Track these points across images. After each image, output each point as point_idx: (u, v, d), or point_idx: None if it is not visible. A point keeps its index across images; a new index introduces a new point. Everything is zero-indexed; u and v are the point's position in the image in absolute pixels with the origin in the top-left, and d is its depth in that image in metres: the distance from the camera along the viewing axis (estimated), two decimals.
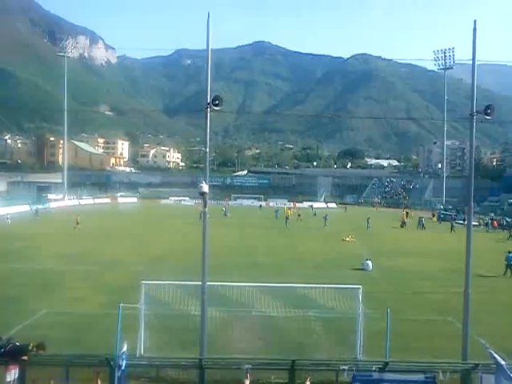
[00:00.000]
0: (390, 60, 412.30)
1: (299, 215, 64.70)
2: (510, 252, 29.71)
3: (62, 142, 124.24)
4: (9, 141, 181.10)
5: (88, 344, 14.48)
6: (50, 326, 16.50)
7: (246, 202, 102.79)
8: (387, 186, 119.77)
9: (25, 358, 10.45)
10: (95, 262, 29.86)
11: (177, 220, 59.31)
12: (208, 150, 12.51)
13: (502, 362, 8.18)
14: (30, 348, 10.69)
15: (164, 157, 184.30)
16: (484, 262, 28.48)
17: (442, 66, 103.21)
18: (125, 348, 9.16)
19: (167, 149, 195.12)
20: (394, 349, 12.91)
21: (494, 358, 8.33)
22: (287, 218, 56.25)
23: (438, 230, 55.75)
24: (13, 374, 10.35)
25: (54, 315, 18.10)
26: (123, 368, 8.54)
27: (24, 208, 69.72)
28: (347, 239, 43.66)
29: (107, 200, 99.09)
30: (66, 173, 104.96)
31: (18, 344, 12.04)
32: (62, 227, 48.88)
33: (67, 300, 20.60)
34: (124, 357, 8.73)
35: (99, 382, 8.66)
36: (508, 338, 16.03)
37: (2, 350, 10.39)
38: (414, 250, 39.09)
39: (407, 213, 68.21)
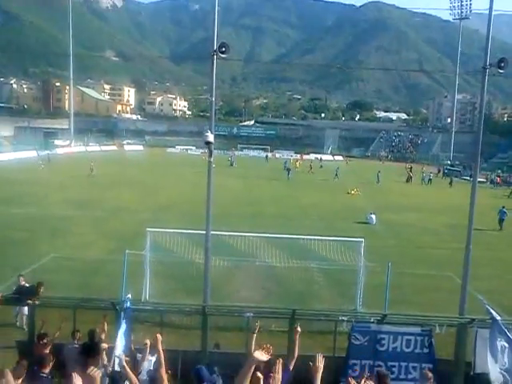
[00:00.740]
0: (404, 9, 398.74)
1: (311, 167, 64.55)
2: (503, 207, 30.04)
3: (67, 87, 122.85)
4: (14, 85, 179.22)
5: (94, 288, 14.86)
6: (58, 270, 16.93)
7: (252, 153, 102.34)
8: (395, 140, 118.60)
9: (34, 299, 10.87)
10: (104, 208, 30.28)
11: (183, 169, 59.38)
12: (214, 98, 12.32)
13: (498, 318, 8.33)
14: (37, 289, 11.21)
15: (170, 105, 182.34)
16: (484, 218, 28.58)
17: (457, 16, 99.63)
18: (129, 294, 9.38)
19: (174, 96, 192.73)
20: (393, 301, 13.20)
21: (490, 313, 8.47)
22: (289, 169, 55.85)
23: (440, 186, 55.52)
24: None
25: (62, 260, 18.52)
26: (128, 311, 8.76)
27: (31, 154, 69.88)
28: (352, 192, 43.74)
29: (114, 147, 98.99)
30: (72, 119, 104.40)
31: (27, 285, 12.43)
32: (75, 174, 49.18)
33: (75, 245, 21.02)
34: (128, 300, 8.95)
35: (106, 324, 8.92)
36: (505, 294, 16.32)
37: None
38: (418, 204, 39.17)
39: (411, 167, 67.96)
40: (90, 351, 8.30)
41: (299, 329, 7.00)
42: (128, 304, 8.89)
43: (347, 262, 15.05)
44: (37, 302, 10.63)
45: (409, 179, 58.04)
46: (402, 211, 34.79)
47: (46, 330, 9.25)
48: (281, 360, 4.47)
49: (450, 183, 54.54)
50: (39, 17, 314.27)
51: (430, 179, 57.39)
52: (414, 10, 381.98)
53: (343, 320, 9.75)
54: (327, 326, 10.92)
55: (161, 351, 6.17)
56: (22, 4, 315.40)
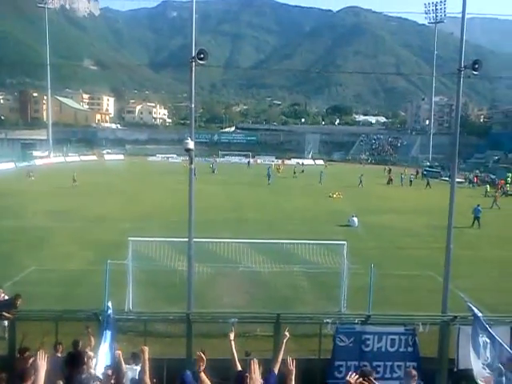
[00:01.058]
0: (381, 13, 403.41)
1: (294, 172, 64.92)
2: (478, 205, 30.68)
3: (45, 97, 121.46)
4: None
5: (77, 300, 14.66)
6: (39, 283, 16.69)
7: (233, 159, 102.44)
8: (375, 143, 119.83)
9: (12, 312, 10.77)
10: (84, 218, 29.95)
11: (164, 177, 59.13)
12: (193, 105, 12.34)
13: (479, 314, 8.47)
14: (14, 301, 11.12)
15: (150, 113, 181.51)
16: (463, 218, 28.98)
17: (432, 20, 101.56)
18: (109, 302, 9.26)
19: (153, 105, 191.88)
20: (376, 302, 13.29)
21: (472, 310, 8.61)
22: (269, 175, 55.73)
23: (419, 187, 56.08)
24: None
25: (43, 272, 18.27)
26: (109, 319, 8.66)
27: (9, 165, 68.88)
28: (334, 196, 44.01)
29: (93, 157, 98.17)
30: (50, 129, 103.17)
31: (6, 298, 12.23)
32: (58, 184, 48.51)
33: (56, 257, 20.74)
34: (109, 308, 8.83)
35: (91, 337, 8.83)
36: (486, 292, 16.58)
37: None
38: (399, 206, 39.58)
39: (390, 169, 68.89)
40: (75, 360, 8.21)
41: (287, 333, 7.01)
42: (109, 311, 8.79)
43: (330, 265, 15.14)
44: (12, 316, 10.49)
45: (389, 181, 58.73)
46: (383, 213, 35.11)
47: (28, 344, 9.12)
48: (255, 360, 4.47)
49: (428, 184, 55.28)
50: (15, 27, 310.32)
51: (410, 181, 58.18)
52: (390, 15, 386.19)
53: (328, 322, 9.81)
54: (312, 329, 10.94)
55: (146, 361, 6.15)
56: None
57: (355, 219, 29.36)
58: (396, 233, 28.08)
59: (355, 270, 15.35)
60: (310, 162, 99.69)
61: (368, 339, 9.31)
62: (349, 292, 14.60)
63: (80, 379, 8.49)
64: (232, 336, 6.54)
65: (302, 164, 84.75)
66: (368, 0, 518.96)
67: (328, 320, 9.89)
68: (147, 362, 6.07)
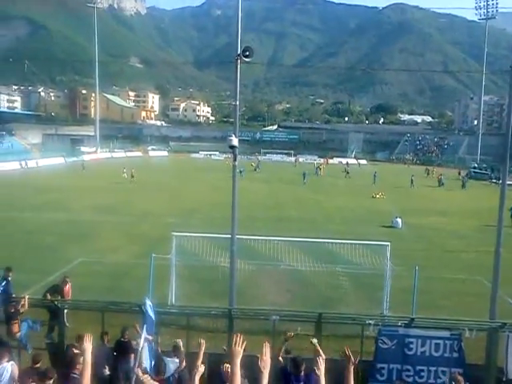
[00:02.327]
0: (428, 10, 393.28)
1: (347, 172, 63.42)
2: None
3: (93, 94, 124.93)
4: (42, 93, 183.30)
5: (122, 292, 15.02)
6: (86, 274, 17.20)
7: (275, 158, 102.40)
8: (420, 143, 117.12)
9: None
10: (131, 212, 30.76)
11: (207, 174, 59.78)
12: (238, 102, 12.40)
13: None
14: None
15: (194, 111, 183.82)
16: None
17: (483, 16, 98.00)
18: (147, 298, 9.37)
19: (197, 102, 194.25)
20: (420, 306, 13.01)
21: None
22: (304, 173, 54.61)
23: (467, 189, 54.27)
24: None
25: (90, 264, 18.83)
26: (147, 312, 8.79)
27: (59, 160, 71.28)
28: (377, 196, 43.34)
29: (139, 153, 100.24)
30: (98, 126, 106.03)
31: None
32: (113, 179, 50.02)
33: (103, 249, 21.35)
34: (147, 301, 8.93)
35: (137, 327, 9.05)
36: None
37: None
38: (445, 208, 38.56)
39: (428, 170, 67.23)
40: (123, 348, 8.43)
41: (315, 341, 7.06)
42: (147, 305, 8.91)
43: (373, 266, 14.92)
44: (56, 300, 10.92)
45: (439, 183, 56.25)
46: (428, 214, 34.31)
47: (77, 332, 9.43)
48: (267, 343, 4.42)
49: (463, 186, 53.69)
50: (66, 26, 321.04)
51: (464, 184, 55.51)
52: (439, 11, 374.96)
53: (370, 324, 9.67)
54: (354, 330, 10.82)
55: (200, 356, 6.34)
56: (49, 14, 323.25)
57: (399, 220, 28.82)
58: (442, 235, 27.38)
59: (399, 271, 15.07)
60: (353, 161, 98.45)
61: (411, 342, 9.12)
62: (392, 294, 14.35)
63: (125, 368, 8.72)
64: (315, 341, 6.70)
65: (347, 163, 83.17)
66: None
67: (370, 321, 9.75)
68: (201, 358, 6.28)
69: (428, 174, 65.07)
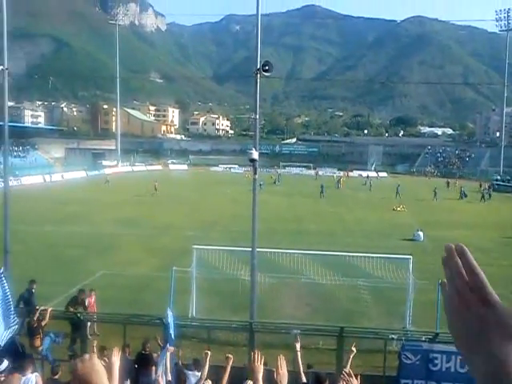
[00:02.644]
0: (448, 22, 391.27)
1: (370, 184, 62.93)
2: None
3: (114, 109, 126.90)
4: (65, 108, 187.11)
5: (143, 304, 15.11)
6: (107, 287, 17.33)
7: (294, 171, 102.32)
8: (441, 155, 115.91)
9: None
10: (152, 226, 31.00)
11: (227, 187, 59.96)
12: (258, 116, 12.49)
13: None
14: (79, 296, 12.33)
15: (213, 124, 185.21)
16: None
17: (504, 27, 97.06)
18: (169, 310, 9.40)
19: (216, 116, 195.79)
20: (444, 321, 12.75)
21: None
22: (322, 186, 53.88)
23: (488, 202, 53.37)
24: None
25: (111, 276, 18.99)
26: (168, 325, 8.81)
27: (81, 174, 72.32)
28: (398, 209, 42.91)
29: (159, 167, 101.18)
30: (119, 140, 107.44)
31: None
32: (137, 193, 50.58)
33: (124, 262, 21.54)
34: (169, 312, 8.97)
35: (159, 340, 9.09)
36: None
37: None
38: (467, 220, 37.96)
39: (448, 182, 66.32)
40: (144, 361, 8.45)
41: (354, 349, 6.93)
42: (169, 318, 8.94)
43: (395, 280, 14.75)
44: (78, 312, 11.03)
45: (461, 195, 55.38)
46: (450, 227, 33.79)
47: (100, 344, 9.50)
48: (282, 356, 4.40)
49: (482, 198, 52.82)
50: (89, 43, 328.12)
51: (483, 196, 54.57)
52: (458, 23, 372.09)
53: (393, 338, 9.55)
54: (376, 345, 10.69)
55: (227, 371, 6.35)
56: (73, 32, 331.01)
57: (421, 233, 28.47)
58: None
59: (421, 285, 14.85)
60: (373, 174, 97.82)
61: (436, 358, 8.96)
62: (414, 308, 14.14)
63: (147, 381, 8.74)
64: (298, 346, 6.53)
65: (367, 176, 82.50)
66: (434, 9, 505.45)
67: (393, 336, 9.64)
68: (227, 374, 6.31)
69: (448, 186, 64.14)
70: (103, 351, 8.80)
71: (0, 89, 13.55)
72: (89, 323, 12.45)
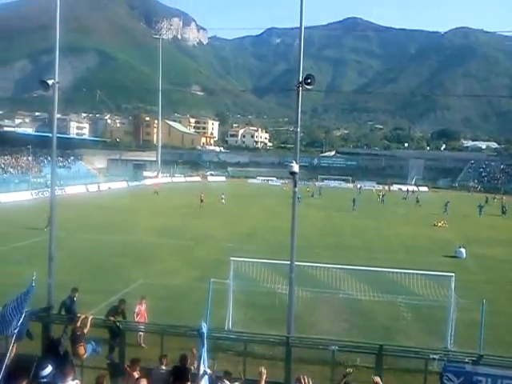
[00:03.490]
0: (494, 33, 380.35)
1: (418, 201, 61.41)
2: None
3: (156, 121, 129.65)
4: (109, 120, 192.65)
5: (180, 315, 15.21)
6: (146, 296, 17.55)
7: (332, 184, 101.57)
8: (484, 170, 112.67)
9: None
10: (192, 236, 31.42)
11: (265, 199, 60.11)
12: (299, 129, 12.50)
13: None
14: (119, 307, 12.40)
15: (252, 137, 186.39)
16: None
17: None
18: (204, 323, 9.40)
19: (255, 129, 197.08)
20: (487, 342, 12.32)
21: None
22: (354, 200, 53.06)
23: None
24: None
25: (150, 286, 19.24)
26: (203, 337, 8.83)
27: (122, 184, 74.01)
28: (439, 224, 41.89)
29: (197, 178, 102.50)
30: (160, 151, 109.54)
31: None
32: (185, 203, 51.48)
33: (163, 272, 21.84)
34: (203, 327, 8.99)
35: (194, 351, 9.13)
36: None
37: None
38: (510, 237, 36.64)
39: (487, 198, 64.45)
40: (180, 375, 8.49)
41: (350, 370, 6.90)
42: (203, 330, 8.95)
43: (436, 298, 14.35)
44: (116, 321, 11.24)
45: (503, 211, 53.72)
46: (494, 245, 32.72)
47: (136, 354, 9.63)
48: (305, 375, 4.43)
49: (503, 211, 51.31)
50: (133, 57, 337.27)
51: None
52: (506, 34, 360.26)
53: (434, 359, 9.27)
54: (416, 365, 10.41)
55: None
56: (118, 46, 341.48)
57: (463, 250, 27.65)
58: (508, 266, 25.95)
59: (463, 304, 14.39)
60: (413, 188, 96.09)
61: (480, 381, 8.64)
62: (456, 328, 13.70)
63: None
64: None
65: (407, 191, 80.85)
66: (479, 20, 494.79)
67: (435, 356, 9.35)
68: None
69: (487, 201, 62.13)
70: (136, 364, 8.91)
71: (49, 101, 14.06)
72: (140, 333, 12.69)
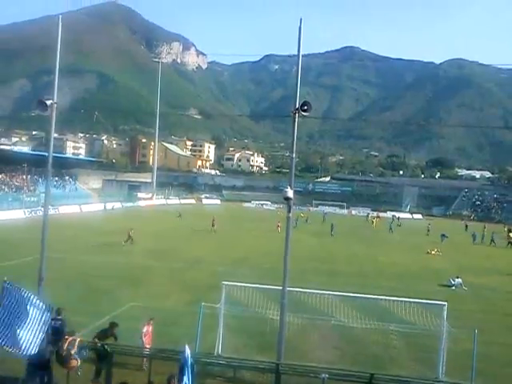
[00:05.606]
0: (489, 65, 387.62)
1: (428, 230, 60.60)
2: None
3: (153, 143, 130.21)
4: (105, 141, 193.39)
5: (170, 339, 15.00)
6: (135, 319, 17.31)
7: (327, 209, 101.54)
8: (478, 199, 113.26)
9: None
10: (183, 259, 31.22)
11: (258, 224, 60.01)
12: (294, 155, 12.60)
13: None
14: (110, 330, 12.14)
15: (248, 161, 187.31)
16: None
17: None
18: (187, 347, 9.27)
19: (251, 153, 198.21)
20: (479, 372, 12.22)
21: None
22: (332, 225, 53.33)
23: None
24: None
25: (139, 308, 19.00)
26: (186, 362, 8.71)
27: (116, 205, 73.77)
28: (432, 252, 41.88)
29: (192, 201, 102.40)
30: (155, 173, 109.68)
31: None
32: (199, 228, 50.86)
33: (153, 295, 21.62)
34: (186, 352, 8.88)
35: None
36: None
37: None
38: (504, 267, 36.63)
39: (467, 225, 65.30)
40: None
41: None
42: (186, 355, 8.84)
43: (428, 327, 14.25)
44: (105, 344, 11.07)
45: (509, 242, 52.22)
46: (486, 274, 32.71)
47: (123, 377, 9.47)
48: None
49: (492, 241, 52.29)
50: (132, 79, 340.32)
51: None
52: (500, 67, 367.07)
53: None
54: None
55: None
56: (118, 68, 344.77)
57: (456, 279, 27.56)
58: (502, 296, 25.89)
59: (455, 334, 14.29)
60: (407, 215, 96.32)
61: None
62: (448, 357, 13.57)
63: None
64: None
65: (398, 218, 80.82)
66: (474, 52, 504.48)
67: None
68: None
69: (467, 229, 62.98)
70: None
71: (47, 121, 14.13)
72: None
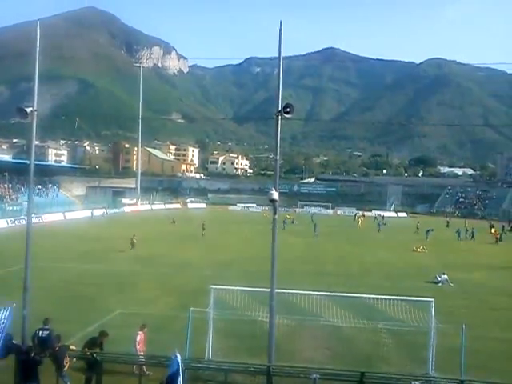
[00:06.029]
0: (467, 64, 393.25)
1: (383, 224, 62.37)
2: None
3: (136, 148, 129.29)
4: (88, 147, 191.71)
5: (159, 345, 14.89)
6: (123, 326, 17.16)
7: (312, 210, 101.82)
8: (461, 196, 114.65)
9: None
10: (170, 264, 30.99)
11: (244, 226, 59.94)
12: (278, 157, 12.59)
13: None
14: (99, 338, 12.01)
15: (232, 164, 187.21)
16: None
17: None
18: (177, 353, 9.21)
19: (236, 156, 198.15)
20: (468, 367, 12.32)
21: None
22: (315, 225, 53.45)
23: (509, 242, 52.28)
24: None
25: (127, 315, 18.85)
26: (174, 370, 8.66)
27: (100, 212, 73.06)
28: (418, 250, 42.26)
29: (177, 205, 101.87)
30: (139, 178, 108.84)
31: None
32: (190, 233, 50.33)
33: (141, 301, 21.46)
34: (176, 356, 8.83)
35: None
36: None
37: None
38: (489, 262, 37.11)
39: (448, 222, 66.64)
40: None
41: None
42: (176, 360, 8.80)
43: (416, 323, 14.35)
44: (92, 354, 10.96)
45: (497, 240, 52.51)
46: (472, 269, 33.09)
47: None
48: None
49: (472, 237, 53.27)
50: (113, 84, 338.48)
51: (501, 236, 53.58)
52: (477, 65, 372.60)
53: None
54: None
55: None
56: (98, 73, 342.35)
57: (443, 276, 27.84)
58: (488, 291, 26.19)
59: (444, 329, 14.41)
60: (392, 214, 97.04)
61: None
62: (437, 353, 13.67)
63: None
64: None
65: (383, 217, 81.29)
66: (452, 51, 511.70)
67: (416, 382, 9.33)
68: None
69: (448, 225, 63.97)
70: None
71: (27, 128, 13.94)
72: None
